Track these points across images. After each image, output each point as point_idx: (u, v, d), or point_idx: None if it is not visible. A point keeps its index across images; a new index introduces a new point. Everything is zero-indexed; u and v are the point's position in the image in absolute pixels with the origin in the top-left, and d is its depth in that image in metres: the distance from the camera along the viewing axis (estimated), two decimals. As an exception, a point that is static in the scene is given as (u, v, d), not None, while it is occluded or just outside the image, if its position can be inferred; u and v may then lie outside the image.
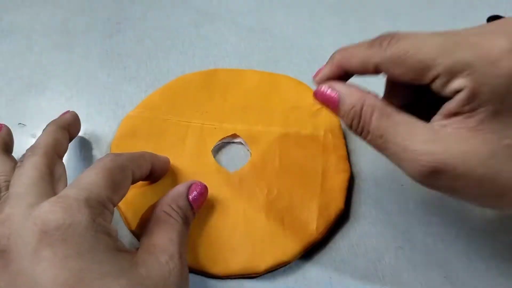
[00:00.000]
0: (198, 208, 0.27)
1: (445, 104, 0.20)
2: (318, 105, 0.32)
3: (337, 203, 0.29)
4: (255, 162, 0.31)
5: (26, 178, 0.23)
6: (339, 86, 0.24)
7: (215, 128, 0.32)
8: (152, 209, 0.26)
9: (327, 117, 0.33)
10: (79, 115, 0.33)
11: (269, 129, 0.32)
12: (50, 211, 0.20)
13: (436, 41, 0.20)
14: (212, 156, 0.31)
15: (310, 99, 0.32)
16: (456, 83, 0.19)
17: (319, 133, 0.32)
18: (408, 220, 0.30)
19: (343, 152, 0.32)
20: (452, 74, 0.19)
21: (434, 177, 0.19)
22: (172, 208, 0.25)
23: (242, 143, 0.33)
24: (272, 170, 0.30)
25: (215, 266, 0.27)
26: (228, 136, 0.32)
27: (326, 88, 0.24)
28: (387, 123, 0.21)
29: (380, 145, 0.22)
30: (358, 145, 0.33)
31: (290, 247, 0.27)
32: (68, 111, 0.31)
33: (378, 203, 0.31)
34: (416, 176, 0.20)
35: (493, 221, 0.30)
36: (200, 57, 0.38)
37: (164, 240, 0.23)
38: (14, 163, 0.26)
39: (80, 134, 0.33)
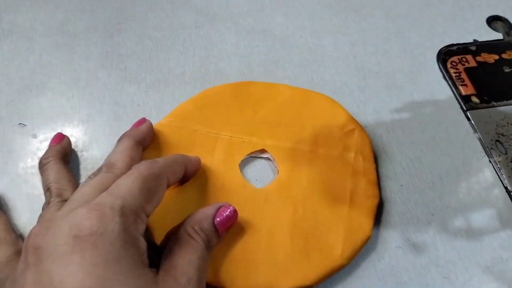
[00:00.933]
0: (224, 232, 0.26)
1: None
2: (350, 126, 0.32)
3: (364, 230, 0.28)
4: (282, 179, 0.30)
5: (88, 187, 0.24)
6: None
7: (244, 141, 0.32)
8: (176, 227, 0.25)
9: (359, 139, 0.32)
10: (79, 115, 0.33)
11: (298, 147, 0.31)
12: (86, 217, 0.20)
13: None
14: (239, 170, 0.31)
15: (343, 118, 0.33)
16: None
17: (350, 155, 0.31)
18: (408, 220, 0.30)
19: (373, 176, 0.31)
20: None
21: None
22: (195, 230, 0.24)
23: (270, 159, 0.32)
24: (299, 189, 0.30)
25: (234, 283, 0.26)
26: (256, 151, 0.32)
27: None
28: None
29: None
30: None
31: (312, 271, 0.27)
32: (144, 121, 0.31)
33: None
34: None
35: (493, 220, 0.30)
36: (200, 57, 0.38)
37: (183, 262, 0.22)
38: (69, 173, 0.29)
39: (80, 134, 0.33)
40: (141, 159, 0.28)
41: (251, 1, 0.43)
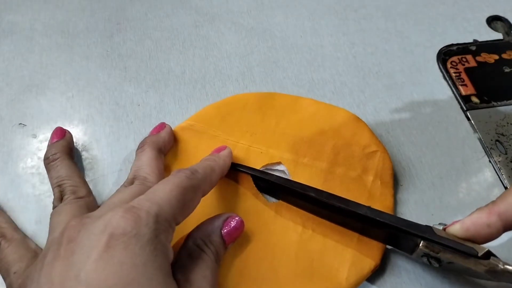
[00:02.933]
0: (231, 242, 0.26)
1: None
2: (373, 147, 0.31)
3: (373, 258, 0.27)
4: None
5: (124, 194, 0.24)
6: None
7: (261, 152, 0.31)
8: (184, 239, 0.25)
9: (379, 162, 0.31)
10: (79, 115, 0.33)
11: (315, 164, 0.31)
12: (122, 217, 0.20)
13: None
14: (253, 181, 0.30)
15: (366, 138, 0.31)
16: None
17: (368, 178, 0.30)
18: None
19: (389, 203, 0.30)
20: None
21: None
22: (205, 243, 0.24)
23: (285, 173, 0.31)
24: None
25: None
26: (272, 163, 0.31)
27: None
28: None
29: None
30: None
31: None
32: (163, 126, 0.31)
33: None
34: None
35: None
36: (200, 57, 0.38)
37: (198, 277, 0.22)
38: (78, 169, 0.29)
39: (80, 134, 0.33)
40: (163, 167, 0.29)
41: (251, 1, 0.43)
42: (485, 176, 0.32)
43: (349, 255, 0.27)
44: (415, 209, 0.31)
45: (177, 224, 0.23)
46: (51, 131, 0.31)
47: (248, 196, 0.29)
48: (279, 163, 0.31)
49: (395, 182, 0.32)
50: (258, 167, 0.30)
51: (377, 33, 0.41)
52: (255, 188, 0.30)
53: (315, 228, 0.28)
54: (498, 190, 0.32)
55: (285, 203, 0.29)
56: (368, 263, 0.27)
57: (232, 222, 0.26)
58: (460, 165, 0.33)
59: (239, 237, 0.26)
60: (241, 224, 0.26)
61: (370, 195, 0.30)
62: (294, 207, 0.29)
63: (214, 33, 0.40)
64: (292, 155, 0.31)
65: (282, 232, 0.28)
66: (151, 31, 0.40)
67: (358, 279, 0.27)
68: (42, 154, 0.32)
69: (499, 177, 0.32)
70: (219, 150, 0.29)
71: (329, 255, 0.27)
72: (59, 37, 0.39)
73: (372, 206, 0.27)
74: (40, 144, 0.33)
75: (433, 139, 0.34)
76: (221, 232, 0.25)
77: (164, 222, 0.21)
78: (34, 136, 0.33)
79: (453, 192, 0.32)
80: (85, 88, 0.36)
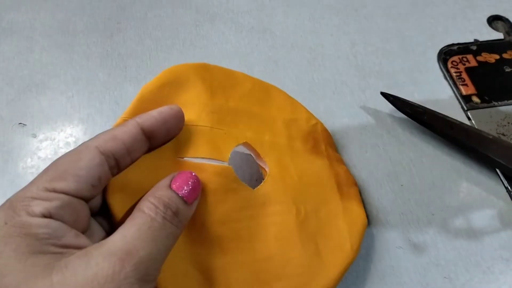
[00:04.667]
0: (190, 197, 0.22)
1: None
2: (313, 120, 0.31)
3: (362, 218, 0.28)
4: (275, 177, 0.27)
5: None
6: None
7: (224, 133, 0.26)
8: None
9: (323, 132, 0.32)
10: (79, 114, 0.33)
11: (277, 140, 0.29)
12: None
13: None
14: (233, 170, 0.25)
15: (303, 112, 0.32)
16: None
17: (321, 147, 0.30)
18: (409, 221, 0.30)
19: (345, 165, 0.31)
20: None
21: None
22: (146, 202, 0.21)
23: (254, 154, 0.28)
24: (294, 186, 0.27)
25: None
26: (240, 145, 0.27)
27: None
28: None
29: None
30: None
31: (332, 272, 0.25)
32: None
33: (379, 204, 0.31)
34: None
35: (493, 220, 0.30)
36: (200, 57, 0.38)
37: (112, 238, 0.19)
38: None
39: (80, 134, 0.33)
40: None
41: (251, 0, 0.43)
42: (486, 176, 0.32)
43: (343, 224, 0.27)
44: (415, 209, 0.30)
45: (61, 191, 0.19)
46: (51, 131, 0.31)
47: (230, 189, 0.25)
48: (246, 144, 0.28)
49: (397, 182, 0.32)
50: (228, 152, 0.26)
51: (377, 33, 0.41)
52: (237, 178, 0.25)
53: (306, 206, 0.27)
54: (498, 190, 0.32)
55: (269, 188, 0.26)
56: (360, 225, 0.28)
57: (179, 174, 0.22)
58: (461, 165, 0.33)
59: (198, 190, 0.22)
60: (190, 173, 0.22)
61: (330, 162, 0.30)
62: (281, 191, 0.27)
63: (215, 32, 0.40)
64: (253, 133, 0.28)
65: (278, 221, 0.26)
66: (151, 30, 0.40)
67: (359, 244, 0.27)
68: (42, 153, 0.32)
69: (499, 177, 0.32)
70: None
71: (326, 231, 0.27)
72: (59, 36, 0.39)
73: (337, 171, 0.29)
74: (40, 144, 0.33)
75: (434, 139, 0.34)
76: (170, 187, 0.21)
77: (19, 201, 0.18)
78: (34, 135, 0.33)
79: (454, 192, 0.32)
80: (85, 88, 0.36)
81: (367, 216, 0.30)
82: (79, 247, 0.19)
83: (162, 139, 0.23)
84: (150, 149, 0.23)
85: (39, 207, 0.18)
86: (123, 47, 0.39)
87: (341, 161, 0.31)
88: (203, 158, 0.25)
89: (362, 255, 0.28)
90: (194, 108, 0.26)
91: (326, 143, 0.31)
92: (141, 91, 0.26)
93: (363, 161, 0.32)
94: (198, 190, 0.22)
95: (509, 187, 0.32)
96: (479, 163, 0.33)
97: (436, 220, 0.30)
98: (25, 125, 0.34)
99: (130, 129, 0.22)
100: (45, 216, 0.18)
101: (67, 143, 0.33)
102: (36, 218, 0.18)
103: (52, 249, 0.18)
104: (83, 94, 0.35)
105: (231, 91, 0.29)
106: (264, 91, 0.31)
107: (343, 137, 0.34)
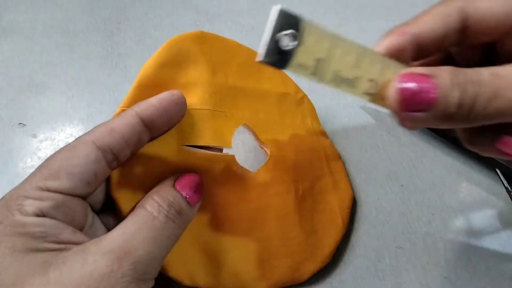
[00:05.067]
0: (194, 197, 0.21)
1: None
2: (300, 93, 0.31)
3: (349, 193, 0.29)
4: (275, 157, 0.27)
5: None
6: (422, 69, 0.18)
7: (226, 115, 0.25)
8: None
9: (309, 105, 0.32)
10: (79, 114, 0.33)
11: (270, 118, 0.28)
12: None
13: None
14: (235, 155, 0.25)
15: (292, 85, 0.31)
16: None
17: (307, 122, 0.31)
18: (408, 220, 0.30)
19: (328, 138, 0.31)
20: None
21: None
22: (148, 200, 0.20)
23: (253, 134, 0.28)
24: (291, 165, 0.27)
25: (255, 283, 0.25)
26: (241, 127, 0.26)
27: (413, 78, 0.17)
28: (495, 79, 0.17)
29: (493, 107, 0.17)
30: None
31: (327, 246, 0.27)
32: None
33: (379, 204, 0.31)
34: None
35: (493, 220, 0.30)
36: (200, 57, 0.38)
37: (112, 235, 0.18)
38: None
39: (80, 134, 0.33)
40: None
41: (251, 1, 0.43)
42: (486, 176, 0.32)
43: (334, 199, 0.28)
44: (415, 209, 0.30)
45: (50, 188, 0.19)
46: (51, 131, 0.31)
47: (234, 173, 0.25)
48: (246, 126, 0.27)
49: (397, 182, 0.32)
50: (231, 136, 0.25)
51: (378, 33, 0.41)
52: (238, 163, 0.25)
53: (303, 185, 0.27)
54: (498, 190, 0.32)
55: (270, 168, 0.26)
56: (348, 198, 0.29)
57: (184, 175, 0.22)
58: (461, 165, 0.33)
59: (200, 190, 0.22)
60: (195, 175, 0.22)
61: (317, 136, 0.30)
62: (281, 170, 0.26)
63: (215, 32, 0.40)
64: (250, 112, 0.27)
65: (279, 202, 0.26)
66: (151, 30, 0.40)
67: (348, 217, 0.28)
68: (42, 154, 0.32)
69: (499, 177, 0.32)
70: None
71: (322, 206, 0.28)
72: (59, 36, 0.39)
73: (323, 145, 0.30)
74: (40, 144, 0.33)
75: (434, 139, 0.34)
76: (174, 186, 0.21)
77: (13, 200, 0.18)
78: (34, 136, 0.33)
79: (454, 192, 0.32)
80: (85, 88, 0.36)
81: (367, 216, 0.30)
82: (77, 243, 0.18)
83: (164, 128, 0.22)
84: (151, 139, 0.22)
85: (31, 207, 0.18)
86: (123, 47, 0.39)
87: (325, 135, 0.32)
88: (207, 145, 0.24)
89: (362, 255, 0.28)
90: (196, 89, 0.25)
91: (311, 117, 0.31)
92: (139, 76, 0.24)
93: (363, 161, 0.32)
94: (201, 193, 0.22)
95: (509, 187, 0.32)
96: (479, 163, 0.33)
97: (436, 220, 0.30)
98: (25, 125, 0.34)
99: (129, 121, 0.20)
100: (37, 215, 0.18)
101: (67, 143, 0.32)
102: (29, 217, 0.18)
103: (49, 246, 0.18)
104: (83, 94, 0.35)
105: (229, 64, 0.27)
106: (256, 63, 0.30)
107: (343, 137, 0.34)
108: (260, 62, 0.17)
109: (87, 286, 0.17)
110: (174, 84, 0.24)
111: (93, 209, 0.21)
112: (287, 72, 0.18)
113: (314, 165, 0.29)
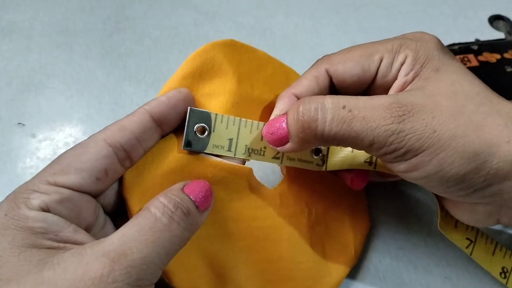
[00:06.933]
0: (202, 201, 0.21)
1: (394, 84, 0.23)
2: None
3: (366, 222, 0.28)
4: (291, 176, 0.26)
5: None
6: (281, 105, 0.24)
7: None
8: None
9: None
10: (78, 114, 0.33)
11: None
12: None
13: None
14: (251, 169, 0.25)
15: None
16: (400, 56, 0.23)
17: None
18: (409, 221, 0.30)
19: None
20: (394, 52, 0.23)
21: (404, 119, 0.20)
22: (154, 201, 0.20)
23: None
24: (307, 187, 0.27)
25: None
26: None
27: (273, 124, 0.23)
28: (348, 100, 0.21)
29: (347, 122, 0.21)
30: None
31: (335, 277, 0.26)
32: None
33: (379, 204, 0.30)
34: (382, 121, 0.20)
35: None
36: (200, 57, 0.38)
37: (111, 237, 0.18)
38: None
39: (79, 134, 0.33)
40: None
41: (251, 0, 0.43)
42: (486, 176, 0.32)
43: (349, 227, 0.27)
44: (416, 209, 0.30)
45: (62, 185, 0.19)
46: (50, 131, 0.31)
47: (253, 188, 0.25)
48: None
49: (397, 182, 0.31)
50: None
51: (378, 32, 0.41)
52: (254, 179, 0.25)
53: (316, 208, 0.27)
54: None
55: (285, 188, 0.26)
56: (364, 228, 0.28)
57: (192, 182, 0.21)
58: (462, 165, 0.33)
59: (209, 199, 0.21)
60: (203, 181, 0.21)
61: None
62: (295, 190, 0.26)
63: (215, 32, 0.40)
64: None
65: (292, 221, 0.25)
66: (150, 30, 0.40)
67: (362, 247, 0.27)
68: (41, 153, 0.32)
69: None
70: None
71: (333, 233, 0.27)
72: (58, 36, 0.39)
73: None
74: (39, 144, 0.32)
75: (435, 139, 0.34)
76: (182, 190, 0.21)
77: (24, 191, 0.19)
78: (33, 135, 0.33)
79: (455, 192, 0.31)
80: (84, 88, 0.36)
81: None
82: (77, 243, 0.18)
83: (174, 124, 0.23)
84: (162, 136, 0.22)
85: (37, 200, 0.18)
86: (123, 46, 0.38)
87: None
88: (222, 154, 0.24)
89: (363, 255, 0.28)
90: (219, 97, 0.24)
91: None
92: (162, 89, 0.24)
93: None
94: (210, 201, 0.21)
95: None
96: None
97: (437, 220, 0.30)
98: (24, 125, 0.33)
99: (139, 117, 0.21)
100: (43, 209, 0.18)
101: (66, 143, 0.33)
102: (34, 211, 0.18)
103: (48, 243, 0.18)
104: (82, 94, 0.35)
105: (256, 75, 0.27)
106: (284, 76, 0.29)
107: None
108: (184, 149, 0.22)
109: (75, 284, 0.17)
110: (197, 93, 0.24)
111: (106, 211, 0.21)
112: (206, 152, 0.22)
113: (331, 190, 0.28)
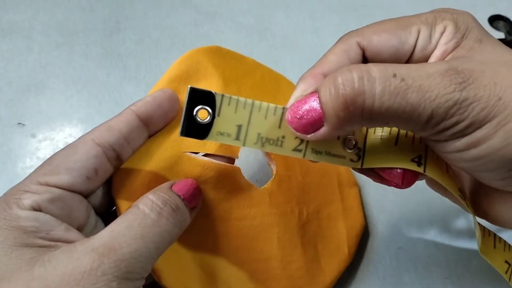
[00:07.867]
0: (191, 198, 0.21)
1: (433, 54, 0.21)
2: None
3: (360, 222, 0.28)
4: (281, 175, 0.26)
5: None
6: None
7: None
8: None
9: None
10: (78, 114, 0.33)
11: None
12: None
13: None
14: (240, 168, 0.25)
15: None
16: (439, 27, 0.21)
17: None
18: (409, 221, 0.30)
19: None
20: (431, 24, 0.22)
21: (465, 86, 0.17)
22: (143, 198, 0.20)
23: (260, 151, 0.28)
24: (298, 186, 0.27)
25: None
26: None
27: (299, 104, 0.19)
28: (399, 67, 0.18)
29: (401, 94, 0.17)
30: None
31: (328, 275, 0.26)
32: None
33: (379, 204, 0.30)
34: (442, 89, 0.17)
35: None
36: (200, 57, 0.38)
37: (100, 233, 0.18)
38: None
39: (79, 134, 0.33)
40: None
41: (251, 0, 0.43)
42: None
43: (342, 227, 0.27)
44: (416, 209, 0.30)
45: (46, 183, 0.19)
46: (50, 131, 0.31)
47: (242, 187, 0.25)
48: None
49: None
50: (237, 148, 0.25)
51: (378, 32, 0.41)
52: (242, 178, 0.25)
53: (308, 207, 0.26)
54: (499, 191, 0.32)
55: (275, 187, 0.25)
56: (359, 228, 0.27)
57: (180, 181, 0.22)
58: (462, 165, 0.33)
59: (197, 197, 0.22)
60: (190, 180, 0.22)
61: None
62: (286, 190, 0.25)
63: (214, 32, 0.40)
64: None
65: (282, 221, 0.25)
66: (150, 30, 0.40)
67: (355, 248, 0.27)
68: (41, 153, 0.32)
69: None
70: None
71: (326, 233, 0.27)
72: (58, 36, 0.39)
73: (338, 170, 0.29)
74: (39, 144, 0.32)
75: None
76: (170, 188, 0.21)
77: (15, 192, 0.19)
78: (33, 135, 0.33)
79: (455, 192, 0.31)
80: (84, 88, 0.36)
81: (368, 217, 0.30)
82: (68, 241, 0.18)
83: (160, 123, 0.23)
84: (150, 136, 0.23)
85: (28, 200, 0.18)
86: (123, 46, 0.38)
87: None
88: (210, 154, 0.24)
89: (363, 255, 0.28)
90: None
91: None
92: (150, 92, 0.24)
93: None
94: (199, 199, 0.22)
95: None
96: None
97: (437, 220, 0.30)
98: (24, 125, 0.33)
99: (125, 117, 0.21)
100: (34, 209, 0.18)
101: (66, 143, 0.32)
102: (25, 211, 0.18)
103: (39, 242, 0.18)
104: (82, 94, 0.35)
105: (243, 80, 0.27)
106: (274, 81, 0.29)
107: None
108: (181, 135, 0.19)
109: (67, 283, 0.17)
110: (184, 96, 0.23)
111: (97, 212, 0.22)
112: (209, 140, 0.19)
113: (323, 189, 0.28)
